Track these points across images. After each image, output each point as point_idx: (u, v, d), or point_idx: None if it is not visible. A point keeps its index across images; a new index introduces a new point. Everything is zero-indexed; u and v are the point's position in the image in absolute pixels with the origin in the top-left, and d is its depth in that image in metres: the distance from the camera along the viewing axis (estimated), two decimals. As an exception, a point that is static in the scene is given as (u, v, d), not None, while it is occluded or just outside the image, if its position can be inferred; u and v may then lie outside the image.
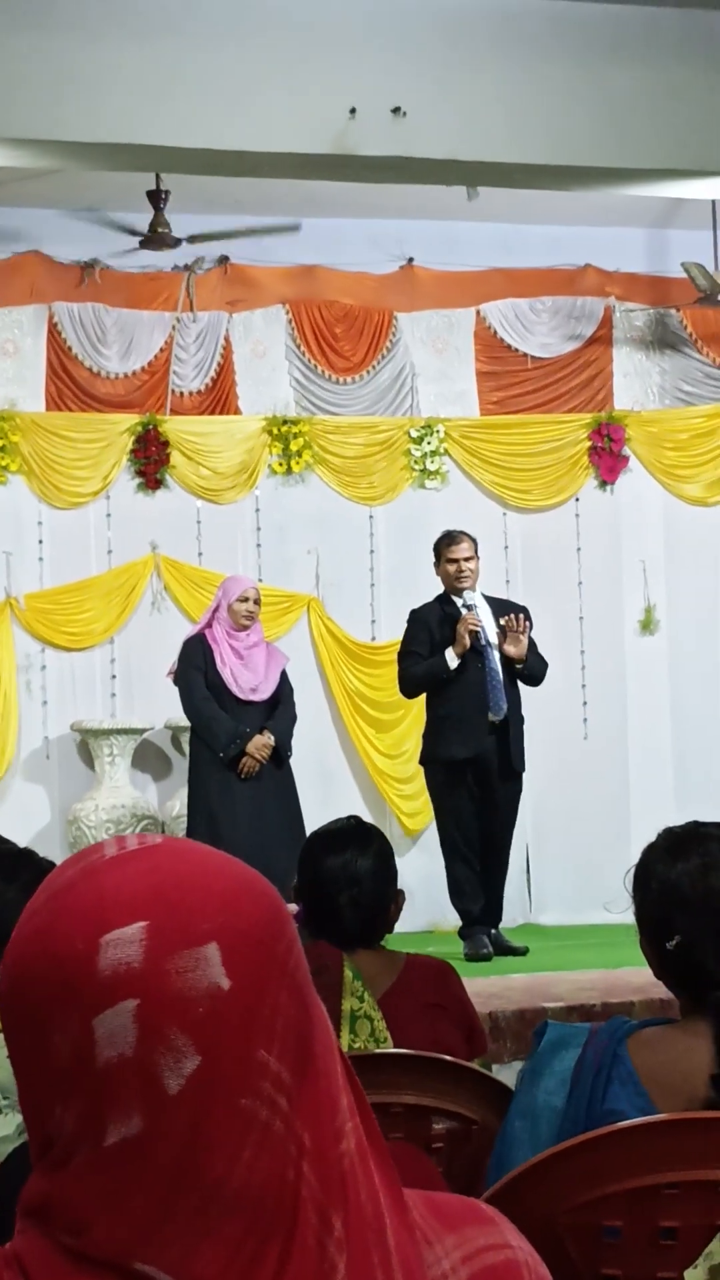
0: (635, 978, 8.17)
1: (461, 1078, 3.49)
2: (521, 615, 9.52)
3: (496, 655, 9.45)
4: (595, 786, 12.25)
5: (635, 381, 13.13)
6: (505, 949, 9.47)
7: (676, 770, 12.48)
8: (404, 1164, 2.17)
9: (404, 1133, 3.46)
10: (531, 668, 9.53)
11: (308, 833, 9.61)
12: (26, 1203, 1.27)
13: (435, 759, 9.59)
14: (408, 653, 9.63)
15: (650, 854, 3.01)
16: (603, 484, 12.73)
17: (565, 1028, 2.92)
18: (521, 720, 9.55)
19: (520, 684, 9.59)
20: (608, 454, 12.68)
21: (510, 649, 9.42)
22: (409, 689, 9.70)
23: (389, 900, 4.21)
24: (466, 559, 9.60)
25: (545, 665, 9.65)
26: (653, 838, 3.12)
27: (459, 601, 9.51)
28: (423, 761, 9.78)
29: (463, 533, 9.78)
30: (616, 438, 12.68)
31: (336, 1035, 3.91)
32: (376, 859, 4.20)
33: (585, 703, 12.30)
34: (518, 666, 9.44)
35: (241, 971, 1.23)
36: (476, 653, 9.41)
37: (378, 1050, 3.84)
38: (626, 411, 12.84)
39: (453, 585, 9.60)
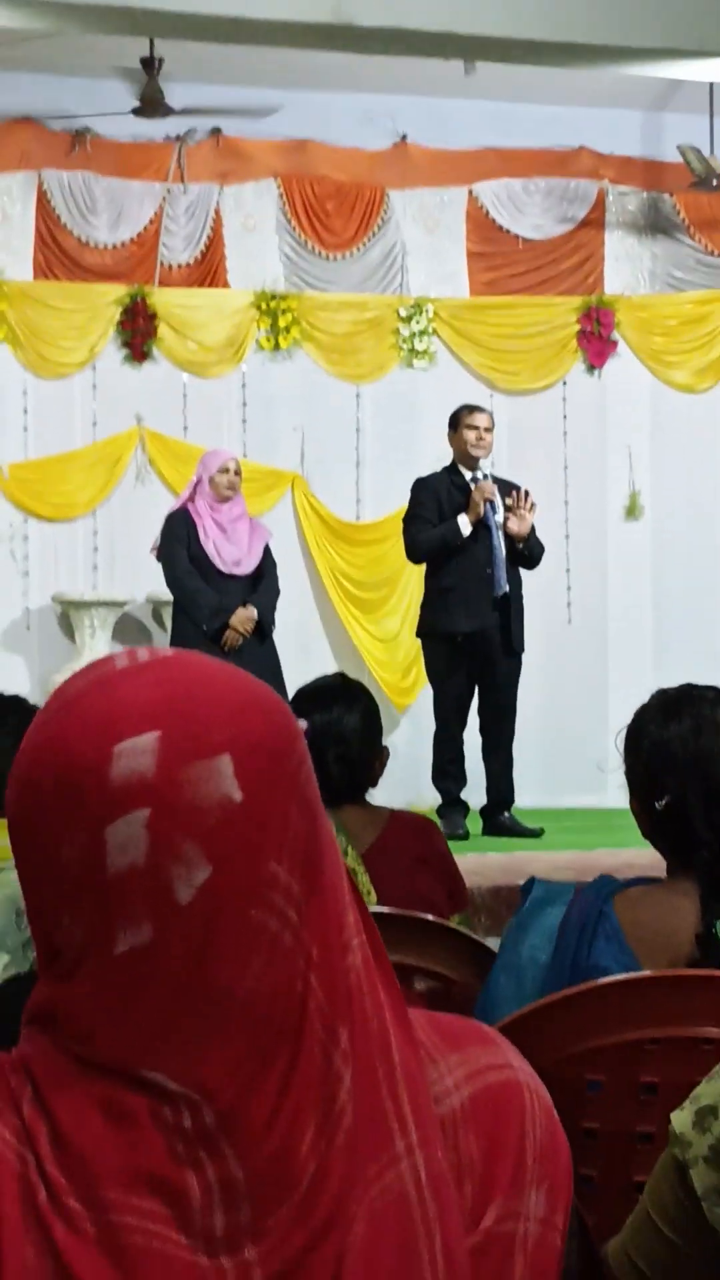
0: (608, 859, 8.22)
1: (443, 937, 3.51)
2: (527, 492, 9.50)
3: (500, 533, 9.43)
4: (576, 671, 12.27)
5: (626, 266, 13.05)
6: (520, 832, 9.52)
7: (655, 657, 12.49)
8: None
9: (385, 991, 3.48)
10: (532, 548, 9.52)
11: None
12: (33, 1010, 1.28)
13: (435, 632, 9.56)
14: (415, 517, 9.55)
15: (643, 715, 3.01)
16: (590, 368, 12.68)
17: (552, 885, 2.93)
18: (521, 600, 9.56)
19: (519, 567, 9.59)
20: (596, 338, 12.63)
21: (514, 526, 9.37)
22: (418, 554, 9.60)
23: (374, 756, 4.25)
24: (486, 429, 9.58)
25: (543, 549, 9.64)
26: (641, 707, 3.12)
27: (467, 475, 9.47)
28: (422, 635, 9.75)
29: (484, 407, 9.79)
30: (606, 322, 12.62)
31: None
32: (363, 715, 4.25)
33: (569, 587, 12.30)
34: (519, 547, 9.42)
35: (253, 784, 1.23)
36: (484, 527, 9.38)
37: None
38: (617, 296, 12.77)
39: (467, 454, 9.54)
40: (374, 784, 4.30)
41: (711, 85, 11.76)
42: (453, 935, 3.54)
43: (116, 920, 1.21)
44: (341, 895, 1.29)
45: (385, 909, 3.71)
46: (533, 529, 9.53)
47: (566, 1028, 2.69)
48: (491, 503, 9.39)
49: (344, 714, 4.22)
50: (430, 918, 3.52)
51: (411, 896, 3.77)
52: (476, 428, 9.56)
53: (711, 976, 2.69)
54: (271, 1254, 1.22)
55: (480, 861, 8.29)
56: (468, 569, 9.35)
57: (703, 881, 2.82)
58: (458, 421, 9.65)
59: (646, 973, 2.73)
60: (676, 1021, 2.68)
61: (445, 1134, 1.30)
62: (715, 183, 12.31)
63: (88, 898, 1.22)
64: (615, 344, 12.66)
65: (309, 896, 1.25)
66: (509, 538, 9.41)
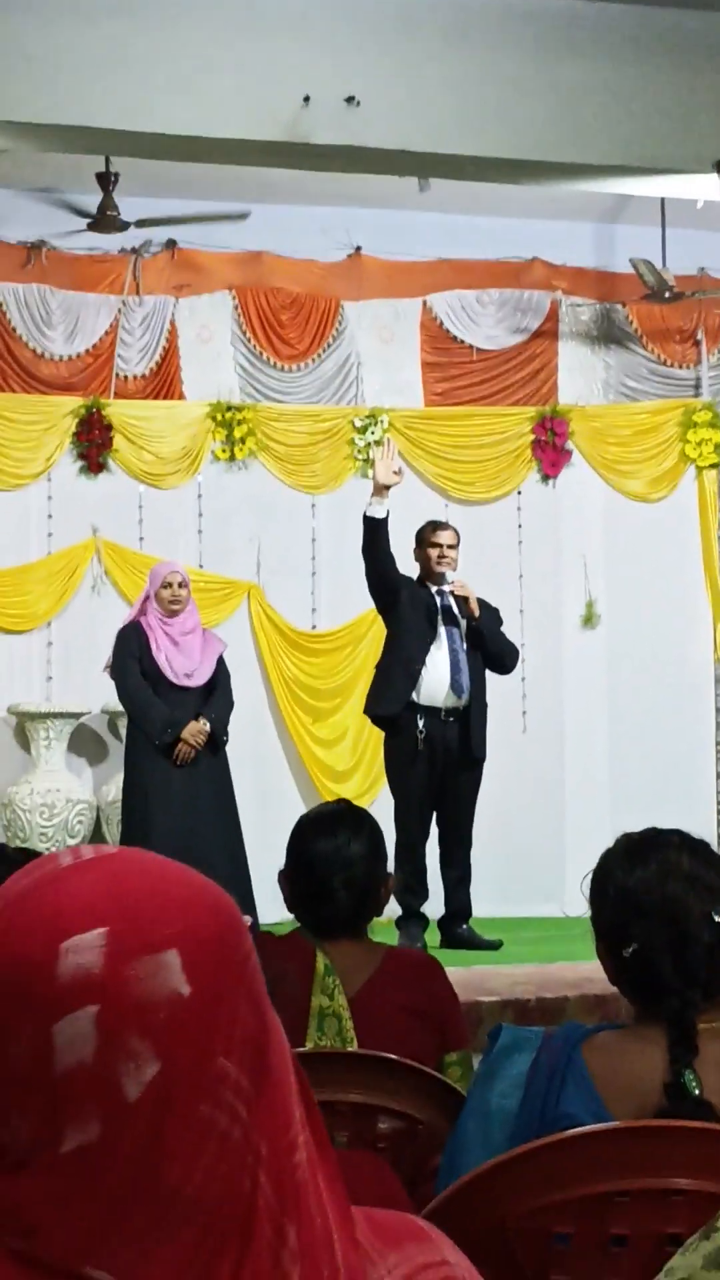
0: (569, 973, 8.21)
1: (409, 1077, 3.48)
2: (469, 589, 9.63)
3: (460, 638, 9.53)
4: (531, 780, 12.27)
5: (580, 376, 13.16)
6: (479, 944, 9.53)
7: (611, 765, 12.53)
8: (362, 1172, 2.17)
9: (349, 1131, 3.45)
10: (497, 644, 9.63)
11: (241, 820, 9.67)
12: None
13: (372, 714, 9.70)
14: None
15: (608, 860, 3.00)
16: (545, 478, 12.75)
17: (520, 1031, 2.91)
18: (485, 707, 9.63)
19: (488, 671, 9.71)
20: (551, 448, 12.70)
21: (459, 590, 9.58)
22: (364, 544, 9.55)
23: (380, 881, 4.23)
24: (450, 546, 9.67)
25: (516, 651, 9.80)
26: (608, 841, 3.11)
27: (433, 589, 9.57)
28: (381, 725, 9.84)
29: (449, 523, 9.90)
30: (560, 431, 12.70)
31: (304, 1033, 3.91)
32: (369, 841, 4.23)
33: (525, 695, 12.31)
34: (480, 628, 9.51)
35: (201, 978, 1.23)
36: (432, 628, 9.50)
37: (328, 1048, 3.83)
38: (570, 406, 12.87)
39: (431, 570, 9.64)
40: (379, 912, 4.27)
41: (662, 199, 11.88)
42: (419, 1075, 3.51)
43: (64, 1119, 1.19)
44: (289, 1091, 1.28)
45: (354, 1050, 3.69)
46: (503, 636, 9.68)
47: (536, 1179, 2.66)
48: (452, 609, 9.54)
49: (350, 839, 4.20)
50: (395, 1058, 3.48)
51: (394, 1044, 3.69)
52: (440, 545, 9.66)
53: (680, 1127, 2.68)
54: None
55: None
56: (403, 655, 9.49)
57: (670, 1029, 2.80)
58: (423, 539, 9.75)
59: (614, 1123, 2.71)
60: (646, 1172, 2.66)
61: None
62: (667, 294, 12.44)
63: (35, 1096, 1.20)
64: (569, 453, 12.74)
65: (257, 1091, 1.24)
66: (477, 641, 9.53)
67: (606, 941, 2.95)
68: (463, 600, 9.59)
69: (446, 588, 9.60)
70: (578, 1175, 2.66)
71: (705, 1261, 1.90)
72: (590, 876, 3.01)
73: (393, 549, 9.58)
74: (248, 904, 9.31)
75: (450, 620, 9.59)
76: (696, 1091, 2.74)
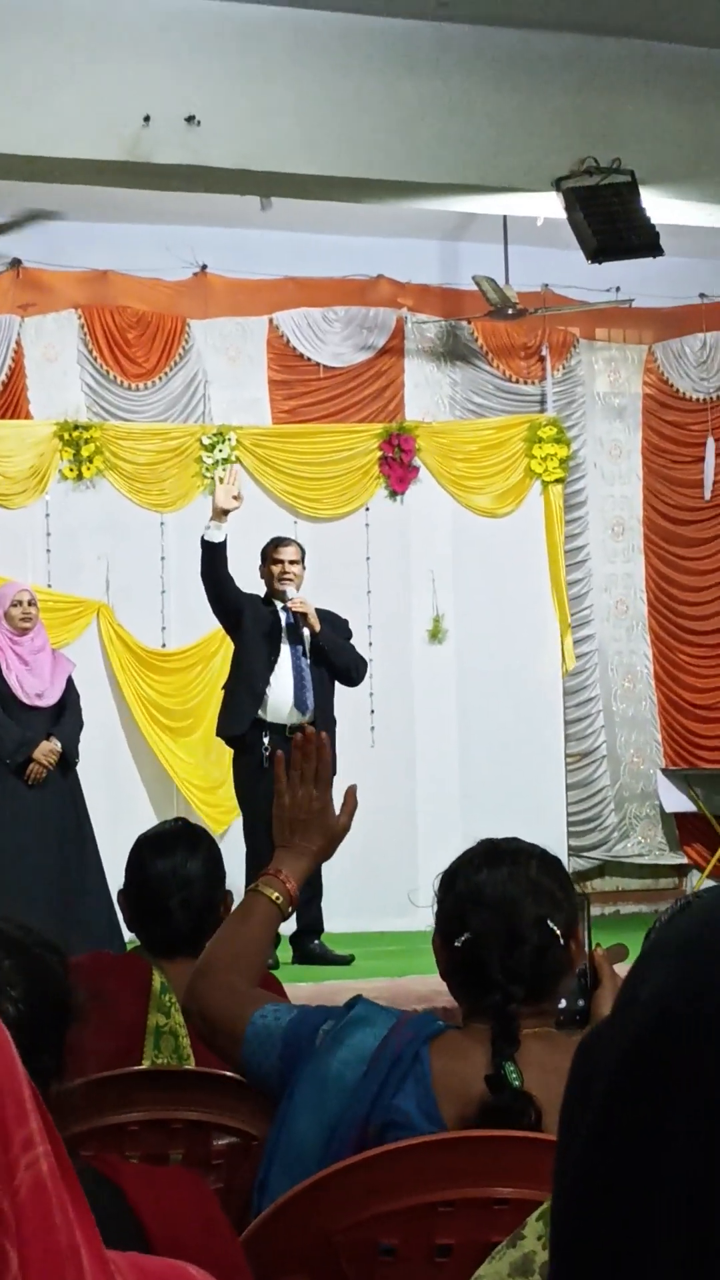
0: (419, 986, 8.24)
1: (243, 1094, 3.50)
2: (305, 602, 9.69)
3: (304, 655, 9.57)
4: (382, 794, 12.26)
5: (426, 392, 13.24)
6: (330, 959, 9.54)
7: (462, 778, 12.58)
8: (179, 1189, 2.19)
9: (184, 1148, 3.47)
10: (342, 657, 9.70)
11: (96, 837, 9.62)
12: None
13: (223, 736, 9.72)
14: None
15: (464, 857, 3.07)
16: (393, 494, 12.79)
17: (376, 1008, 2.97)
18: (333, 722, 9.68)
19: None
20: (398, 464, 12.75)
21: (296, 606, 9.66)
22: (203, 568, 9.72)
23: (218, 901, 4.25)
24: (292, 562, 9.70)
25: (364, 663, 9.83)
26: (452, 845, 3.19)
27: (278, 605, 9.61)
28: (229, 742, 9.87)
29: (293, 539, 9.91)
30: (407, 448, 12.75)
31: (140, 1051, 3.91)
32: (206, 861, 4.25)
33: (373, 711, 12.35)
34: (321, 643, 9.56)
35: None
36: (274, 645, 9.54)
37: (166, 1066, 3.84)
38: (417, 422, 12.92)
39: (274, 587, 9.67)
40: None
41: (504, 217, 11.98)
42: (254, 1092, 3.53)
43: None
44: (20, 1101, 1.23)
45: (189, 1068, 3.70)
46: (352, 649, 9.73)
47: (359, 1192, 2.69)
48: (296, 627, 9.57)
49: (187, 859, 4.22)
50: (230, 1075, 3.50)
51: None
52: (282, 561, 9.70)
53: (504, 1136, 2.72)
54: None
55: (290, 992, 8.25)
56: (247, 675, 9.55)
57: (493, 1023, 2.86)
58: (266, 555, 9.79)
59: (438, 1135, 2.75)
60: (470, 1182, 2.70)
61: None
62: (510, 311, 12.54)
63: None
64: (416, 470, 12.79)
65: None
66: (321, 658, 9.58)
67: (443, 931, 3.01)
68: (302, 616, 9.64)
69: (288, 604, 9.65)
70: (403, 1186, 2.69)
71: (511, 1269, 1.94)
72: (443, 873, 3.08)
73: (240, 567, 9.62)
74: (113, 921, 9.25)
75: (294, 637, 9.64)
76: (516, 1082, 2.78)
